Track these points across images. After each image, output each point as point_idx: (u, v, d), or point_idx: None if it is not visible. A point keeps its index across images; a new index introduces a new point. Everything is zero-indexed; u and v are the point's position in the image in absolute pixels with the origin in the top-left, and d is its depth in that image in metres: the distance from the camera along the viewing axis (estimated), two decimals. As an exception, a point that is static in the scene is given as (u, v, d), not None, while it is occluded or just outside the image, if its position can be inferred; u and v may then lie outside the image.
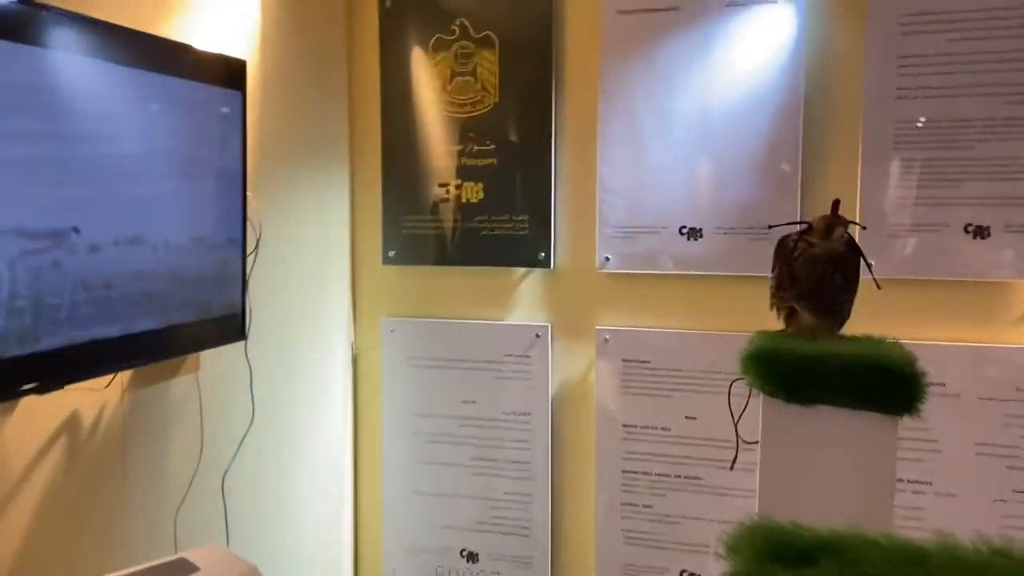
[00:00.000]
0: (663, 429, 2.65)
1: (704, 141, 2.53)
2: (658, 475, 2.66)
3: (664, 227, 2.59)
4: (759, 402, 1.81)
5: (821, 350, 1.57)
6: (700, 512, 2.62)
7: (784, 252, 1.75)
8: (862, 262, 1.70)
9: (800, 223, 1.80)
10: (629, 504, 2.69)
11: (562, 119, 2.70)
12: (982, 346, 2.32)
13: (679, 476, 2.64)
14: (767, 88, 2.47)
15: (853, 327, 1.72)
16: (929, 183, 2.33)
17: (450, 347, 2.85)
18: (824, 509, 1.51)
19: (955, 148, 2.30)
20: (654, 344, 2.63)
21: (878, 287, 1.71)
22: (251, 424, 2.32)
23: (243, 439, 2.29)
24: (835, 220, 1.68)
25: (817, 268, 1.68)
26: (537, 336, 2.76)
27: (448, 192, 2.79)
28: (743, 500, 2.55)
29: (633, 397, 2.66)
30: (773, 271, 1.80)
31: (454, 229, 2.80)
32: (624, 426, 2.68)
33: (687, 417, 2.62)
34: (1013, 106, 2.25)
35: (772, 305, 1.81)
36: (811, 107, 2.44)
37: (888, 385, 1.48)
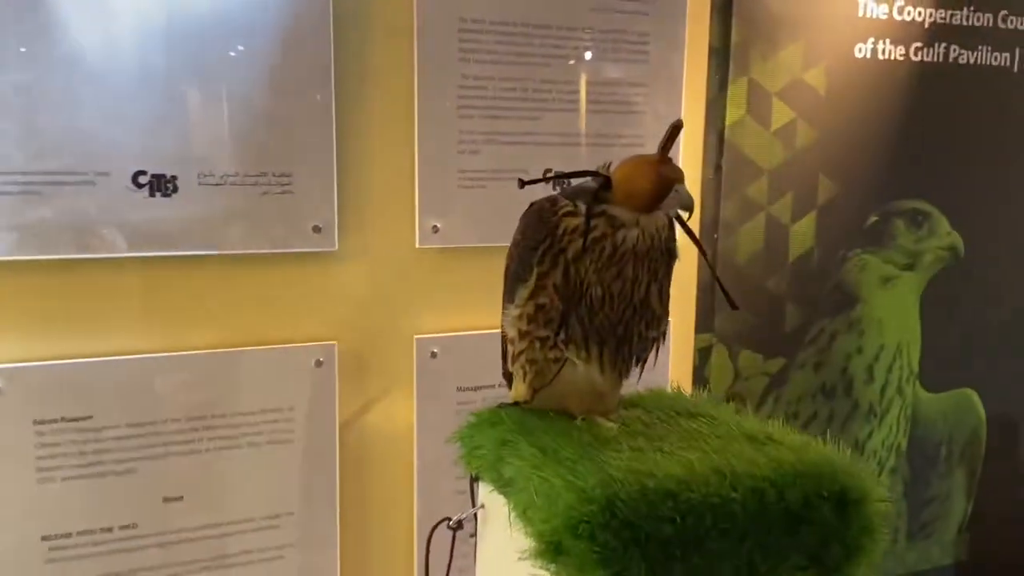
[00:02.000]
0: (124, 528, 1.51)
1: (177, 22, 1.42)
2: (118, 607, 1.52)
3: (105, 173, 1.40)
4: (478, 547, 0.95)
5: (717, 475, 0.75)
6: (199, 645, 1.58)
7: (550, 242, 0.89)
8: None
9: (588, 174, 0.95)
10: (66, 671, 1.50)
11: None
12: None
13: (158, 598, 1.55)
14: (271, -60, 1.48)
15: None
16: (505, 112, 1.68)
17: None
18: None
19: (530, 65, 1.69)
20: (97, 385, 1.45)
21: (733, 306, 0.98)
22: None
23: None
24: (670, 170, 0.89)
25: (628, 276, 0.87)
26: None
27: None
28: (271, 606, 1.61)
29: (61, 485, 1.45)
30: (519, 283, 0.92)
31: None
32: (45, 539, 1.46)
33: (168, 499, 1.53)
34: (595, 14, 1.72)
35: (518, 356, 0.94)
36: (342, -17, 1.55)
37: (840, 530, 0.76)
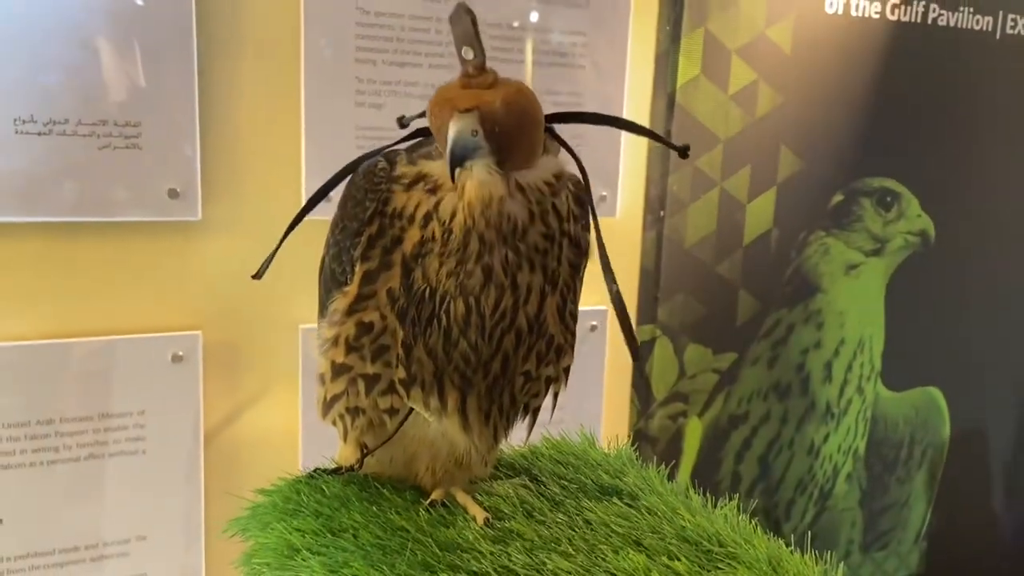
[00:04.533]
0: (-75, 561, 1.22)
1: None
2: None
3: None
4: None
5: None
6: None
7: (380, 225, 0.63)
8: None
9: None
10: None
11: None
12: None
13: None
14: None
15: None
16: (414, 58, 1.40)
17: None
18: None
19: (445, 2, 1.41)
20: None
21: (633, 355, 0.71)
22: None
23: None
24: (456, 95, 0.62)
25: (499, 279, 0.61)
26: None
27: None
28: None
29: None
30: (334, 288, 0.65)
31: None
32: None
33: (-18, 524, 1.24)
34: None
35: (332, 401, 0.67)
36: None
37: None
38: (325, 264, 0.69)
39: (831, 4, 1.74)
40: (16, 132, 1.16)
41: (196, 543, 1.35)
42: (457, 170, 0.59)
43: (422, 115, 0.68)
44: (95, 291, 1.25)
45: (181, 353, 1.30)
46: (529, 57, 1.49)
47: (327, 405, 0.67)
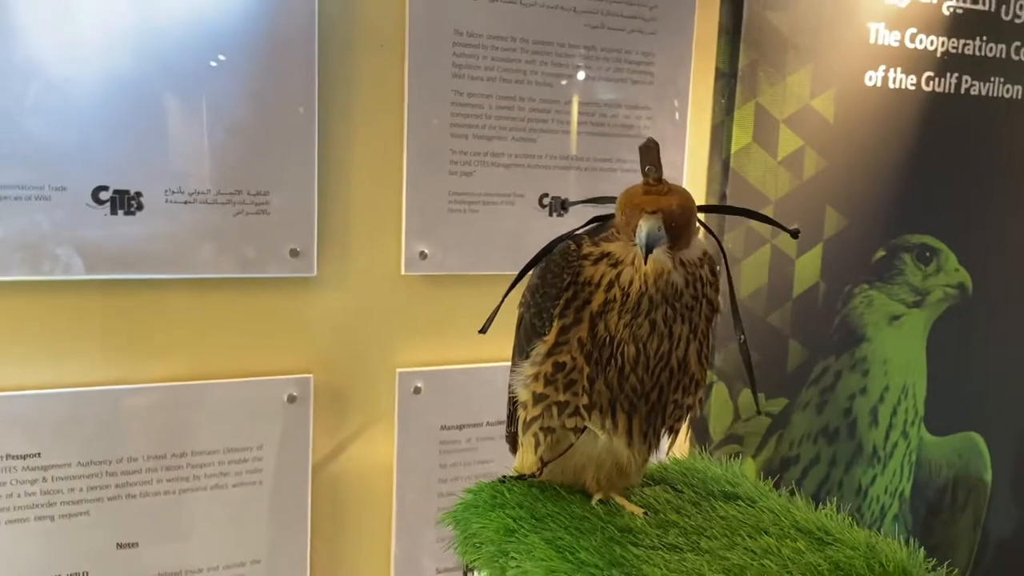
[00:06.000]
0: (73, 578, 1.38)
1: (149, 28, 1.30)
2: (64, 663, 1.38)
3: (61, 188, 1.28)
4: None
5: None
6: None
7: (574, 291, 0.82)
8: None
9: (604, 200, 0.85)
10: None
11: None
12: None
13: (109, 653, 1.41)
14: (253, -59, 1.37)
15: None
16: (500, 132, 1.57)
17: None
18: None
19: (528, 84, 1.59)
20: (47, 419, 1.32)
21: (755, 396, 0.89)
22: None
23: None
24: (643, 198, 0.80)
25: (662, 330, 0.79)
26: None
27: None
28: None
29: (5, 529, 1.31)
30: (535, 338, 0.83)
31: None
32: (-17, 590, 1.32)
33: (122, 545, 1.40)
34: (597, 31, 1.63)
35: (530, 423, 0.85)
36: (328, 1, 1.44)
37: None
38: (524, 319, 0.86)
39: (870, 77, 1.90)
40: (166, 201, 1.34)
41: (302, 566, 1.50)
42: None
43: (587, 201, 0.86)
44: (226, 338, 1.42)
45: (295, 394, 1.47)
46: (583, 128, 1.66)
47: (527, 425, 0.85)
